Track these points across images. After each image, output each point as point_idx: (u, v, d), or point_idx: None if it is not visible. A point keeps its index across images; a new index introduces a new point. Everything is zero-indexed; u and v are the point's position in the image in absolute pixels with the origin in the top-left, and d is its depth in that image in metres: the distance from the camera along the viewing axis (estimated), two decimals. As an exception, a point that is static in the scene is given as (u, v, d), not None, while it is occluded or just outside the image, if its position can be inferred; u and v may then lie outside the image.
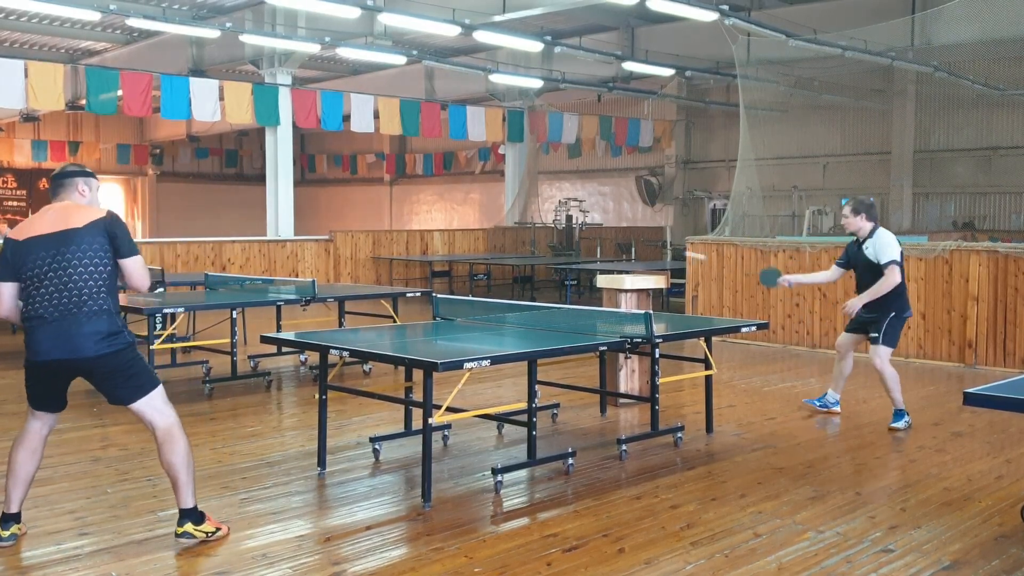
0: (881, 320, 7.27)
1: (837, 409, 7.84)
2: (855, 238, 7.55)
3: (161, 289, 10.96)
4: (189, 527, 4.59)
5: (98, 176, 4.88)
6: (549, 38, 17.07)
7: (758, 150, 14.48)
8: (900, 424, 7.29)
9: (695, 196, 24.98)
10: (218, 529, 4.71)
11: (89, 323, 4.43)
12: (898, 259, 7.22)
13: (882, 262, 7.19)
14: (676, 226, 23.74)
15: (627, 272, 9.47)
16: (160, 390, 4.66)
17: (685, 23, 17.34)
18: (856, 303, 7.31)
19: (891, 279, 7.16)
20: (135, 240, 4.80)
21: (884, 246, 7.26)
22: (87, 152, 29.69)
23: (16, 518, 4.64)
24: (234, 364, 8.93)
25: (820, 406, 7.85)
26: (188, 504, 4.62)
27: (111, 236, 4.51)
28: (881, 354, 7.28)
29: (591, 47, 18.31)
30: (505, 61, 20.30)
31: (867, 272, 7.38)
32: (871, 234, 7.36)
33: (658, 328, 6.55)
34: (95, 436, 6.84)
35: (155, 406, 4.61)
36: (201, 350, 9.87)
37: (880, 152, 21.32)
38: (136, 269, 4.58)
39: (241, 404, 8.17)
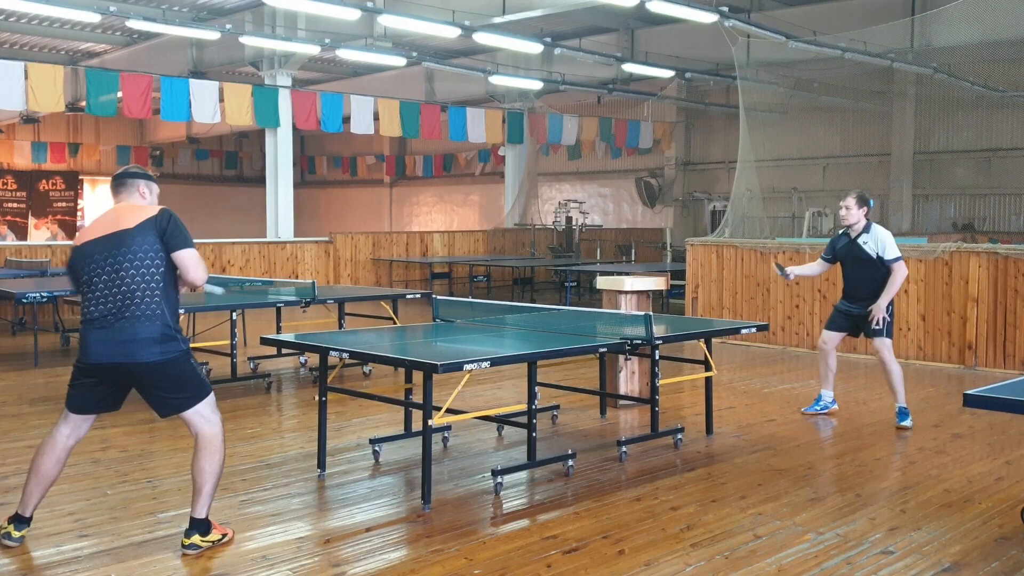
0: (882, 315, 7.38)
1: (835, 407, 7.87)
2: (844, 232, 7.57)
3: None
4: (196, 539, 4.54)
5: (156, 178, 4.88)
6: (549, 40, 17.09)
7: (758, 152, 14.47)
8: (908, 423, 7.32)
9: (695, 198, 24.99)
10: (224, 536, 4.68)
11: (143, 328, 4.40)
12: (901, 255, 7.38)
13: (889, 258, 7.30)
14: (676, 228, 23.74)
15: (627, 274, 9.47)
16: (211, 398, 4.62)
17: (685, 25, 17.35)
18: (882, 307, 7.30)
19: (902, 274, 7.31)
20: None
21: (888, 242, 7.35)
22: (87, 154, 29.71)
23: (28, 522, 4.64)
24: (234, 366, 8.93)
25: (820, 409, 7.85)
26: (201, 515, 4.57)
27: (162, 232, 4.48)
28: (888, 346, 7.40)
29: (591, 49, 18.32)
30: (505, 63, 20.31)
31: (861, 266, 7.41)
32: (867, 229, 7.40)
33: (658, 330, 6.56)
34: (95, 438, 6.84)
35: (204, 415, 4.58)
36: (201, 351, 9.87)
37: (880, 154, 21.32)
38: (189, 261, 4.52)
39: (241, 406, 8.17)
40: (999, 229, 19.69)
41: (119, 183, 4.68)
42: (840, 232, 7.72)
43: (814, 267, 8.04)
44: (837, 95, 19.64)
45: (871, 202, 7.50)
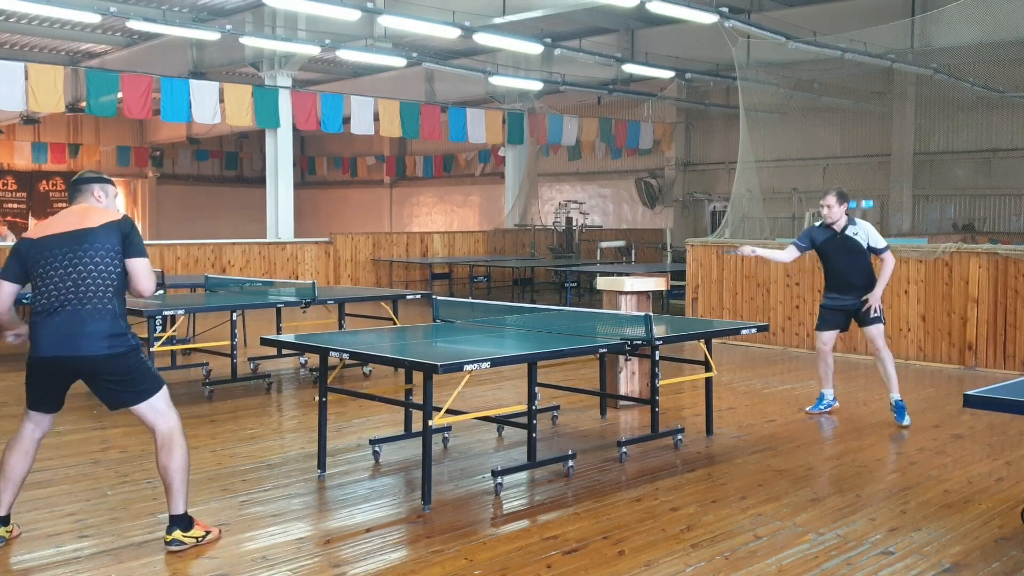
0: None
1: (836, 405, 7.95)
2: (822, 225, 7.72)
3: (161, 291, 10.95)
4: (178, 534, 4.56)
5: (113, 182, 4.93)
6: (549, 40, 17.09)
7: (758, 152, 14.47)
8: (907, 421, 7.41)
9: (695, 198, 24.99)
10: (208, 532, 4.69)
11: (92, 322, 4.44)
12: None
13: (880, 247, 7.55)
14: (676, 228, 23.74)
15: (627, 274, 9.47)
16: (163, 393, 4.65)
17: (685, 25, 17.35)
18: (878, 296, 7.49)
19: (893, 261, 7.58)
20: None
21: (875, 233, 7.62)
22: (87, 154, 29.71)
23: (5, 521, 4.63)
24: (234, 366, 8.93)
25: (824, 408, 7.87)
26: (178, 511, 4.59)
27: (123, 236, 4.54)
28: (883, 333, 7.59)
29: (591, 49, 18.32)
30: (505, 63, 20.31)
31: (854, 257, 7.59)
32: (851, 222, 7.60)
33: (658, 330, 6.55)
34: (95, 438, 6.84)
35: (157, 408, 4.60)
36: (201, 352, 9.88)
37: (880, 154, 21.32)
38: (141, 271, 4.57)
39: (241, 406, 8.17)
40: (999, 230, 19.69)
41: (76, 188, 4.74)
42: (818, 225, 7.82)
43: (783, 254, 8.09)
44: (837, 96, 19.64)
45: (851, 200, 7.70)
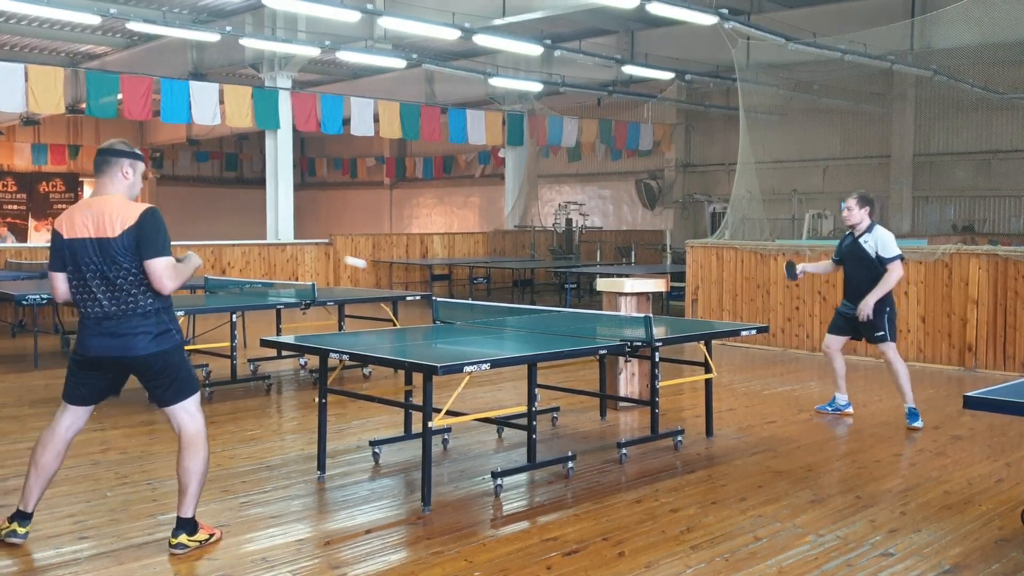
0: (881, 318, 7.35)
1: (849, 411, 7.86)
2: (849, 232, 7.58)
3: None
4: (183, 538, 4.55)
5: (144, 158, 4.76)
6: (549, 42, 17.08)
7: (758, 154, 14.47)
8: (919, 423, 7.35)
9: (695, 199, 24.99)
10: (211, 535, 4.69)
11: (139, 324, 4.47)
12: (900, 254, 7.39)
13: (887, 257, 7.31)
14: (676, 230, 23.74)
15: (627, 275, 9.47)
16: (197, 396, 4.67)
17: (685, 27, 17.35)
18: (870, 304, 7.28)
19: (898, 274, 7.33)
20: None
21: (888, 242, 7.37)
22: (87, 156, 29.65)
23: (29, 518, 4.66)
24: (234, 368, 8.92)
25: (833, 410, 7.86)
26: (188, 514, 4.59)
27: (138, 240, 4.42)
28: (893, 348, 7.43)
29: (591, 51, 18.33)
30: (505, 65, 20.32)
31: (860, 266, 7.42)
32: (869, 229, 7.42)
33: (658, 331, 6.56)
34: (95, 440, 6.84)
35: (189, 410, 4.62)
36: (201, 353, 9.87)
37: (880, 155, 21.34)
38: (156, 272, 4.43)
39: (241, 408, 8.17)
40: (999, 231, 19.70)
41: (103, 159, 4.56)
42: (846, 233, 7.73)
43: (824, 266, 8.13)
44: (837, 97, 19.65)
45: (874, 200, 7.52)
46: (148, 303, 4.49)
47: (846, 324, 7.63)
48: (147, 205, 4.55)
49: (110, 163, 4.56)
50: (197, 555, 4.55)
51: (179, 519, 4.59)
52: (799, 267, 8.01)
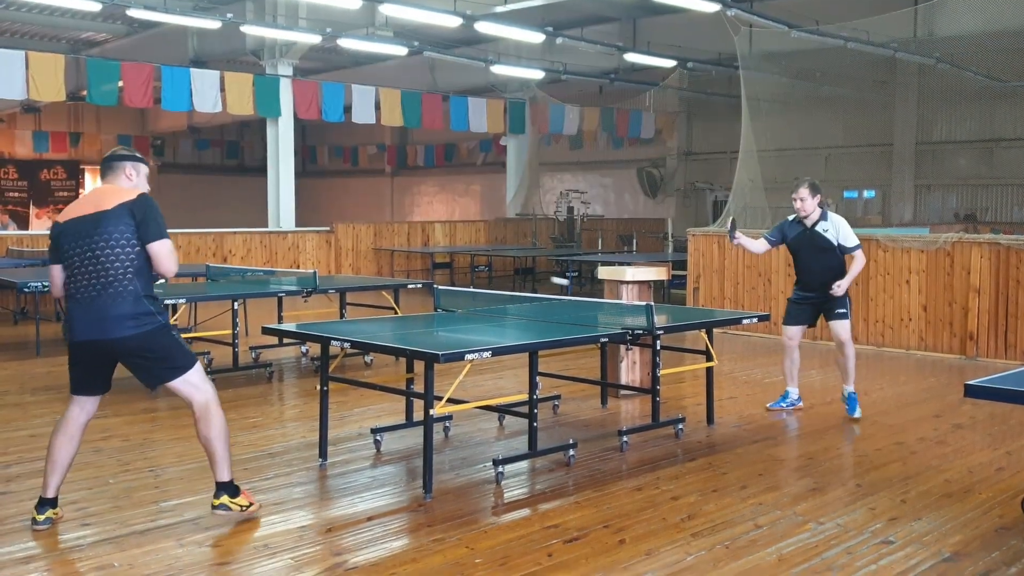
0: (844, 298, 7.35)
1: (800, 404, 7.71)
2: (795, 219, 7.49)
3: (162, 280, 10.96)
4: (225, 499, 4.74)
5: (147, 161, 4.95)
6: (551, 29, 17.04)
7: (760, 142, 14.43)
8: (858, 414, 7.33)
9: (697, 188, 24.95)
10: (251, 504, 4.85)
11: (115, 305, 4.54)
12: (860, 242, 7.46)
13: (849, 246, 7.34)
14: (678, 218, 23.70)
15: (628, 263, 9.46)
16: (198, 367, 4.77)
17: (687, 14, 17.26)
18: (844, 286, 7.28)
19: (862, 260, 7.44)
20: None
21: (848, 231, 7.37)
22: (88, 143, 29.66)
23: (53, 503, 4.74)
24: (235, 355, 8.94)
25: (787, 406, 7.67)
26: (224, 477, 4.77)
27: (136, 219, 4.56)
28: (848, 329, 7.40)
29: (593, 38, 18.27)
30: (506, 52, 20.26)
31: (820, 255, 7.36)
32: (823, 216, 7.37)
33: (659, 320, 6.56)
34: (97, 427, 6.84)
35: (193, 383, 4.72)
36: (203, 341, 9.88)
37: (882, 144, 21.27)
38: (159, 254, 4.61)
39: (243, 395, 8.19)
40: (1001, 219, 19.67)
41: (107, 166, 4.80)
42: (791, 219, 7.57)
43: (757, 245, 7.72)
44: (839, 85, 19.56)
45: (820, 189, 7.43)
46: (127, 285, 4.56)
47: (802, 311, 7.51)
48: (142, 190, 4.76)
49: (114, 168, 4.79)
50: (198, 542, 4.56)
51: (218, 484, 4.76)
52: (738, 234, 7.69)
